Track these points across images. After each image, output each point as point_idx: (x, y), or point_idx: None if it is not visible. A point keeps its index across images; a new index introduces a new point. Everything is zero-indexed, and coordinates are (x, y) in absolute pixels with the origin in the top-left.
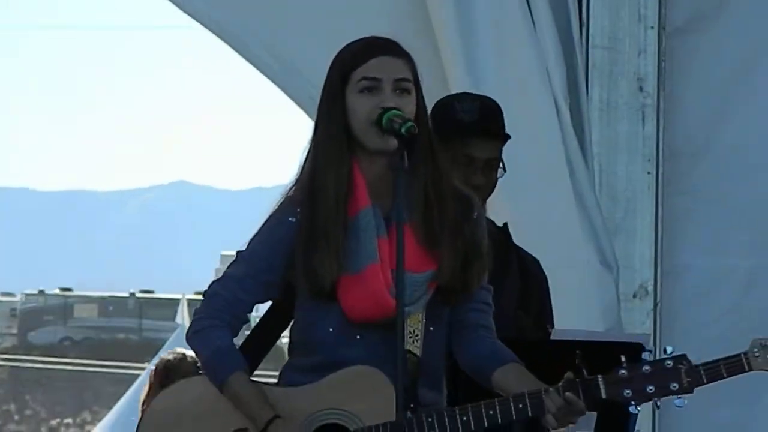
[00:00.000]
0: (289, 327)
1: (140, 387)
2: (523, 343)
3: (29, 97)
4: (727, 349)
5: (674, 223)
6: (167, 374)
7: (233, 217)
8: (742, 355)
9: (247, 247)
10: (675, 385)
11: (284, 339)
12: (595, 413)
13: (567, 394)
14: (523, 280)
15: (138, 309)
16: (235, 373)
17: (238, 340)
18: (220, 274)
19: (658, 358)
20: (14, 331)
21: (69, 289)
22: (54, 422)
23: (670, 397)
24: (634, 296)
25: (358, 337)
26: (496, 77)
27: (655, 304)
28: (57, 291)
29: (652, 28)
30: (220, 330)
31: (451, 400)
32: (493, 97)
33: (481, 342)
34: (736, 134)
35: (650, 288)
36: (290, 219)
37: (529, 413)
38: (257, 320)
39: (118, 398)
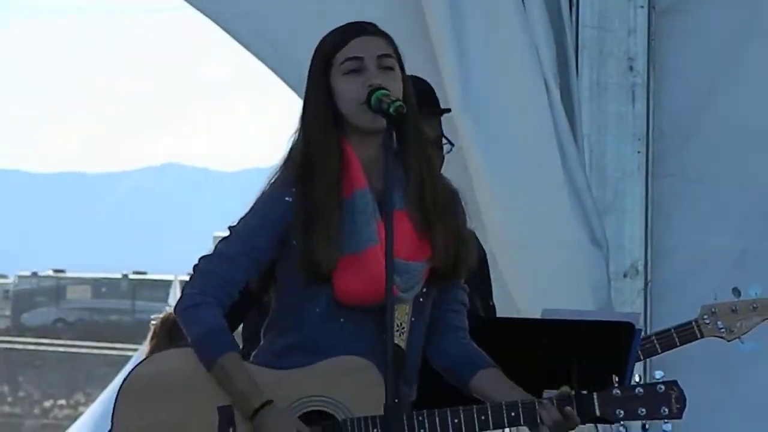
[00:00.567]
0: (271, 308)
1: None
2: (512, 322)
3: (20, 78)
4: None
5: (664, 203)
6: (176, 324)
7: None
8: (693, 323)
9: (241, 223)
10: (665, 410)
11: None
12: None
13: (566, 408)
14: None
15: (131, 290)
16: (227, 354)
17: None
18: None
19: (649, 381)
20: (7, 312)
21: (62, 271)
22: (47, 404)
23: (659, 421)
24: (625, 276)
25: (342, 320)
26: (485, 58)
27: (646, 284)
28: (50, 273)
29: (642, 7)
30: (212, 308)
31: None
32: (483, 78)
33: (458, 344)
34: (726, 113)
35: (640, 267)
36: (287, 198)
37: (522, 422)
38: None
39: (111, 379)
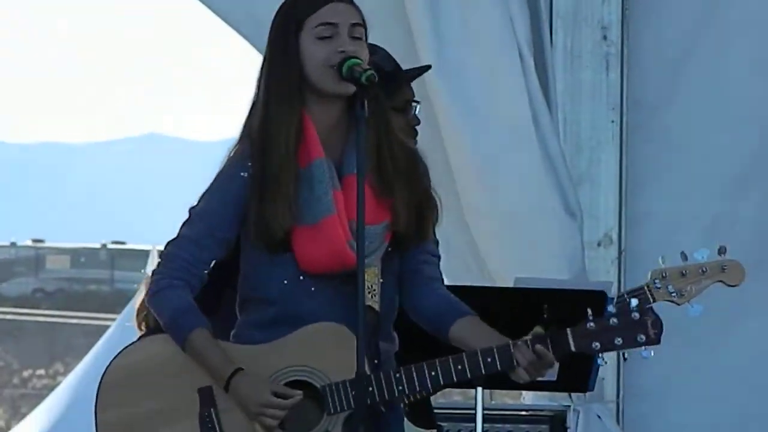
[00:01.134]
0: (239, 284)
1: (111, 337)
2: (484, 290)
3: None
4: None
5: (638, 172)
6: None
7: (204, 168)
8: (645, 287)
9: (200, 204)
10: (642, 337)
11: None
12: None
13: (537, 347)
14: None
15: (110, 260)
16: (195, 330)
17: None
18: None
19: (623, 309)
20: None
21: (41, 241)
22: (26, 373)
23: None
24: (599, 245)
25: (312, 289)
26: (459, 26)
27: (620, 252)
28: (29, 242)
29: None
30: (179, 290)
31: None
32: (457, 47)
33: (435, 295)
34: (700, 82)
35: (614, 236)
36: (242, 174)
37: (498, 367)
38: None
39: (90, 349)
